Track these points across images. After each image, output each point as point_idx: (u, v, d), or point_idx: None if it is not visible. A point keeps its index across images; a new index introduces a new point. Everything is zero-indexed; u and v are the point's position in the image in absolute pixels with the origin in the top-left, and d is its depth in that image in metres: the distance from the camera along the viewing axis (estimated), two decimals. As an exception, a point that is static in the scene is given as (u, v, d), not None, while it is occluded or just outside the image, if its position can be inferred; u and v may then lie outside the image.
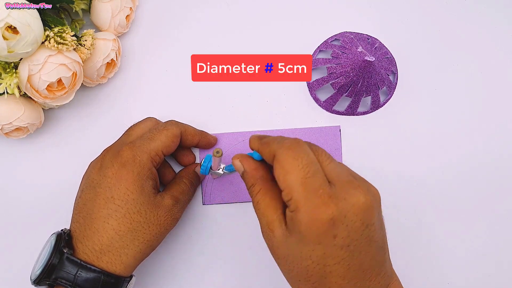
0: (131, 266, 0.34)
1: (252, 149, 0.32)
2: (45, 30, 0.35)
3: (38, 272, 0.32)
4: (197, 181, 0.41)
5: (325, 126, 0.44)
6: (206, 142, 0.42)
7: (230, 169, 0.38)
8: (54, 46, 0.35)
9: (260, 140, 0.31)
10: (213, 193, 0.43)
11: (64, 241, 0.33)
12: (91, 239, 0.33)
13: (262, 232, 0.31)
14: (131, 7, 0.43)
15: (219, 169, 0.39)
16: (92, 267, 0.32)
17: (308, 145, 0.29)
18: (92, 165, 0.37)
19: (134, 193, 0.34)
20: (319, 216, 0.26)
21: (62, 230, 0.35)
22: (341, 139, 0.44)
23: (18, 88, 0.36)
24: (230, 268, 0.43)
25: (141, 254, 0.35)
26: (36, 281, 0.33)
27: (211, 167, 0.38)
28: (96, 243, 0.33)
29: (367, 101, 0.44)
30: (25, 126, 0.39)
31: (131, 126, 0.39)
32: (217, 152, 0.34)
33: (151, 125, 0.39)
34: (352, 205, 0.27)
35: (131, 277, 0.35)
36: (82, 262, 0.32)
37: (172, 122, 0.39)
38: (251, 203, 0.43)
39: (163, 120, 0.42)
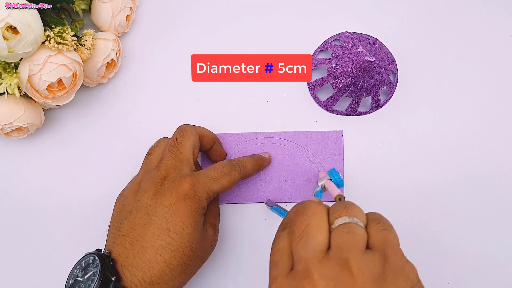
0: None
1: None
2: (45, 30, 0.35)
3: None
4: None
5: (328, 130, 0.44)
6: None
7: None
8: (54, 46, 0.35)
9: None
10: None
11: (109, 266, 0.32)
12: (141, 269, 0.32)
13: None
14: (131, 7, 0.43)
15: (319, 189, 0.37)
16: None
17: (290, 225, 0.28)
18: (143, 188, 0.35)
19: (189, 227, 0.33)
20: None
21: (100, 250, 0.34)
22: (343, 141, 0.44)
23: (19, 88, 0.36)
24: (230, 268, 0.43)
25: (183, 285, 0.34)
26: None
27: (325, 187, 0.36)
28: (146, 274, 0.32)
29: (367, 101, 0.44)
30: (25, 126, 0.39)
31: (176, 143, 0.37)
32: (340, 199, 0.32)
33: (195, 141, 0.37)
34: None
35: None
36: None
37: (237, 168, 0.38)
38: (253, 204, 0.43)
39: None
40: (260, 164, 0.42)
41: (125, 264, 0.32)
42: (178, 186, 0.34)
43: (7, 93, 0.36)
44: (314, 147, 0.43)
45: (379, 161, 0.44)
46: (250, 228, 0.43)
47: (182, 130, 0.38)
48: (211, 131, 0.41)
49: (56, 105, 0.41)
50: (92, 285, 0.31)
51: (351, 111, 0.44)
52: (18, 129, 0.39)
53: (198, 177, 0.35)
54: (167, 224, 0.33)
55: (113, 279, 0.31)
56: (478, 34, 0.45)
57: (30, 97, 0.38)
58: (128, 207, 0.35)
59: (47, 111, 0.43)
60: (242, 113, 0.44)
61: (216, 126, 0.44)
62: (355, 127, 0.44)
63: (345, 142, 0.44)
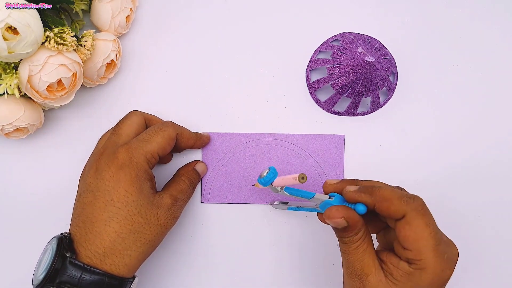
0: (134, 267, 0.34)
1: (349, 198, 0.33)
2: (45, 31, 0.35)
3: (41, 277, 0.32)
4: (196, 179, 0.41)
5: (328, 131, 0.44)
6: (201, 143, 0.42)
7: (291, 193, 0.35)
8: (54, 46, 0.35)
9: (365, 189, 0.33)
10: (212, 192, 0.43)
11: (65, 245, 0.33)
12: (93, 243, 0.33)
13: (348, 274, 0.33)
14: (131, 8, 0.43)
15: (278, 187, 0.34)
16: (96, 270, 0.32)
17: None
18: (87, 168, 0.37)
19: (134, 194, 0.34)
20: (444, 277, 0.30)
21: (62, 233, 0.35)
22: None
23: (18, 88, 0.36)
24: (229, 267, 0.43)
25: (143, 255, 0.35)
26: (39, 286, 0.32)
27: (272, 182, 0.34)
28: (98, 246, 0.33)
29: (367, 101, 0.44)
30: (25, 126, 0.39)
31: (117, 124, 0.39)
32: (302, 178, 0.30)
33: (138, 120, 0.39)
34: (455, 263, 0.31)
35: (133, 277, 0.35)
36: (85, 266, 0.32)
37: (168, 124, 0.38)
38: (249, 205, 0.43)
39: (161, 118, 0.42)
40: (198, 136, 0.42)
41: (80, 241, 0.33)
42: (113, 158, 0.35)
43: (7, 93, 0.36)
44: (315, 150, 0.43)
45: (379, 161, 0.44)
46: (250, 228, 0.43)
47: (127, 113, 0.39)
48: (161, 119, 0.42)
49: (56, 106, 0.41)
50: (46, 262, 0.32)
51: (351, 111, 0.44)
52: (18, 129, 0.39)
53: (131, 143, 0.36)
54: (111, 196, 0.34)
55: (67, 255, 0.32)
56: (478, 34, 0.45)
57: (30, 98, 0.38)
58: (78, 190, 0.36)
59: (47, 111, 0.43)
60: (242, 113, 0.44)
61: (216, 126, 0.44)
62: (354, 128, 0.44)
63: (345, 143, 0.44)
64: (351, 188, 0.33)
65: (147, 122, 0.40)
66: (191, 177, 0.41)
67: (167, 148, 0.37)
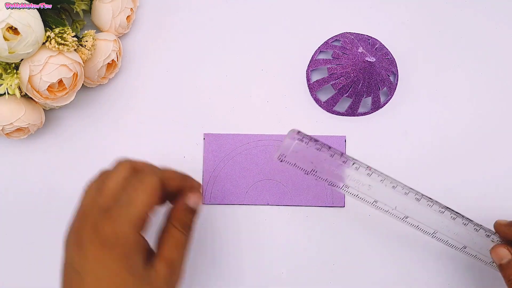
0: None
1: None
2: (46, 31, 0.35)
3: None
4: (191, 219, 0.34)
5: (329, 131, 0.44)
6: (190, 186, 0.35)
7: None
8: (55, 46, 0.35)
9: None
10: (213, 193, 0.43)
11: None
12: None
13: None
14: (132, 8, 0.43)
15: None
16: None
17: None
18: (69, 240, 0.31)
19: (121, 275, 0.29)
20: None
21: None
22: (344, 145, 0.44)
23: (19, 88, 0.36)
24: (229, 268, 0.43)
25: None
26: None
27: None
28: None
29: (367, 101, 0.44)
30: (26, 126, 0.39)
31: (101, 178, 0.32)
32: None
33: (125, 173, 0.32)
34: None
35: None
36: None
37: (146, 170, 0.32)
38: (251, 206, 0.43)
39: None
40: (187, 177, 0.35)
41: None
42: (95, 232, 0.29)
43: (8, 93, 0.36)
44: None
45: (379, 161, 0.44)
46: (251, 229, 0.43)
47: (114, 164, 0.34)
48: (148, 164, 0.34)
49: (57, 106, 0.41)
50: None
51: (352, 111, 0.44)
52: (18, 129, 0.39)
53: (112, 211, 0.30)
54: (100, 282, 0.29)
55: None
56: (478, 34, 0.45)
57: (31, 98, 0.38)
58: (65, 258, 0.31)
59: (48, 111, 0.43)
60: (243, 114, 0.44)
61: (216, 126, 0.44)
62: (355, 128, 0.44)
63: (346, 144, 0.44)
64: (502, 221, 0.34)
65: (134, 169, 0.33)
66: (184, 219, 0.33)
67: (157, 202, 0.31)
